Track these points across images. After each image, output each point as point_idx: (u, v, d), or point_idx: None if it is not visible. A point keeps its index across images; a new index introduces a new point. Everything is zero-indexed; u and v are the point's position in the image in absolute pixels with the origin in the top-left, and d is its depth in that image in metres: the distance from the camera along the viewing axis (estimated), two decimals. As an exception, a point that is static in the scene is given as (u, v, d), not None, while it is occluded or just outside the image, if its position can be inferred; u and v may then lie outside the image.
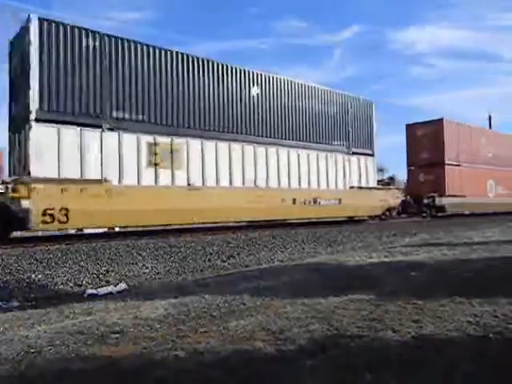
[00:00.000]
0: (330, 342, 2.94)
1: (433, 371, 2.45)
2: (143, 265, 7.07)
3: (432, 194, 22.68)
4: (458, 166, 24.40)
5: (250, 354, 2.76)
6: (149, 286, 5.52)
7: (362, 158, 19.28)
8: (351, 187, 18.47)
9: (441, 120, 24.10)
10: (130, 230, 13.62)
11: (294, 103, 16.80)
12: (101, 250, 8.82)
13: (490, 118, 45.30)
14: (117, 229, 14.10)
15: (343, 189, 18.14)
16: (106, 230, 13.93)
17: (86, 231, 13.38)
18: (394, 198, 20.57)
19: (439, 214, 22.93)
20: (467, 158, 25.20)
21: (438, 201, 22.79)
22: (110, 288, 5.27)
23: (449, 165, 23.73)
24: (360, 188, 18.77)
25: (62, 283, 5.72)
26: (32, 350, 2.90)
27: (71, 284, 5.68)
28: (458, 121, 25.52)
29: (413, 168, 24.92)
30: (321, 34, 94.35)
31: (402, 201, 21.86)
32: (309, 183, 16.92)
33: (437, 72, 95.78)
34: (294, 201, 15.99)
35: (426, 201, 22.80)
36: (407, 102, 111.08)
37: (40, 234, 12.41)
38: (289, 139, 16.51)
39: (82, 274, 6.26)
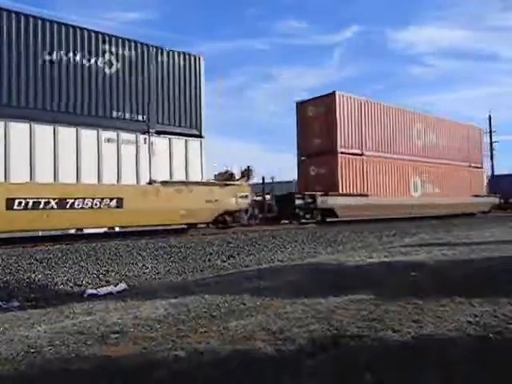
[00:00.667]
0: (329, 342, 2.94)
1: (433, 371, 2.45)
2: (143, 265, 7.07)
3: (312, 193, 16.80)
4: (361, 155, 18.37)
5: (249, 354, 2.76)
6: (149, 286, 5.52)
7: (178, 139, 13.29)
8: (150, 182, 12.42)
9: (332, 94, 17.75)
10: (130, 229, 13.55)
11: (22, 50, 10.52)
12: (101, 249, 8.82)
13: (489, 118, 45.22)
14: (117, 229, 14.03)
15: (132, 184, 12.09)
16: (105, 229, 13.87)
17: (86, 231, 13.30)
18: (236, 197, 14.20)
19: (329, 220, 17.37)
20: (378, 147, 19.25)
21: (322, 201, 16.56)
22: (110, 288, 5.27)
23: (344, 154, 17.72)
24: (165, 183, 12.61)
25: (62, 283, 5.72)
26: (32, 350, 2.90)
27: (71, 284, 5.68)
28: (364, 97, 19.30)
29: (304, 158, 18.86)
30: (321, 34, 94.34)
31: (259, 202, 15.86)
32: (55, 175, 10.80)
33: (437, 72, 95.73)
34: (12, 203, 9.90)
35: (298, 201, 16.38)
36: (407, 101, 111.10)
37: (40, 233, 12.40)
38: (8, 105, 10.29)
39: (81, 274, 6.25)
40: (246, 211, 14.85)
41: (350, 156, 17.99)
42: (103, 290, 5.14)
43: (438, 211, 21.53)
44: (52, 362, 2.71)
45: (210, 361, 2.65)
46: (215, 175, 15.52)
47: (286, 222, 17.01)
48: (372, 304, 3.96)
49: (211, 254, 8.42)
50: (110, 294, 5.03)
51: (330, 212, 16.95)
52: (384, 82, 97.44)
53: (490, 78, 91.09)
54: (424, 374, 2.43)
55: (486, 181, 28.15)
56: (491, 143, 44.73)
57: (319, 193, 16.80)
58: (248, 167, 15.48)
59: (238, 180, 15.22)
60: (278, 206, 16.33)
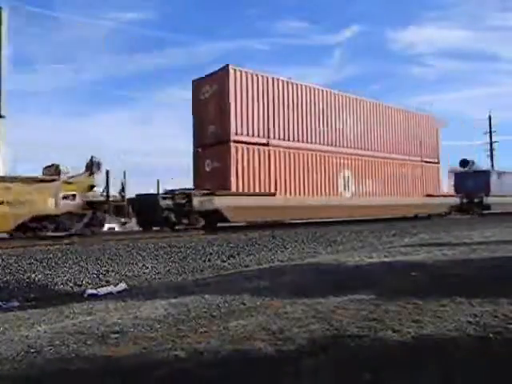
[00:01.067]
0: (329, 342, 2.94)
1: (433, 371, 2.45)
2: (143, 265, 7.07)
3: (187, 192, 13.30)
4: (267, 145, 14.84)
5: (249, 354, 2.76)
6: (149, 286, 5.52)
7: None
8: None
9: (225, 69, 14.30)
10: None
11: None
12: (101, 250, 8.82)
13: (490, 118, 45.22)
14: (117, 228, 13.98)
15: None
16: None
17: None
18: (56, 197, 10.82)
19: (221, 225, 14.22)
20: (292, 135, 15.74)
21: (203, 202, 13.03)
22: (110, 288, 5.27)
23: (241, 143, 14.19)
24: None
25: (62, 283, 5.72)
26: (32, 350, 2.90)
27: (71, 284, 5.68)
28: (273, 74, 15.54)
29: (198, 150, 15.26)
30: (321, 34, 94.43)
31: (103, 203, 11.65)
32: None
33: (437, 72, 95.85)
34: None
35: (164, 203, 12.66)
36: (407, 102, 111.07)
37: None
38: None
39: (82, 274, 6.26)
40: (82, 216, 11.32)
41: (251, 146, 14.44)
42: (103, 290, 5.14)
43: (379, 213, 18.48)
44: (52, 362, 2.71)
45: (210, 361, 2.65)
46: (43, 169, 11.97)
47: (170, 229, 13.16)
48: (372, 304, 3.96)
49: (211, 254, 8.42)
50: (110, 294, 5.03)
51: (218, 215, 13.57)
52: (384, 82, 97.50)
53: (490, 78, 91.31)
54: (424, 374, 2.43)
55: (446, 178, 25.56)
56: (491, 143, 44.79)
57: (200, 191, 13.52)
58: (92, 158, 11.86)
59: (81, 175, 11.64)
60: (141, 209, 12.97)
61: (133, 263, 7.24)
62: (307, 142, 16.36)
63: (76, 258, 7.70)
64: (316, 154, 16.54)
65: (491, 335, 3.02)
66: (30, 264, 7.08)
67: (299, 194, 15.84)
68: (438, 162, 23.28)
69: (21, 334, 3.30)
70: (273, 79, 15.47)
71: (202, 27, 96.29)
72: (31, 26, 76.66)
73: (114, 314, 3.89)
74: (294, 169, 15.74)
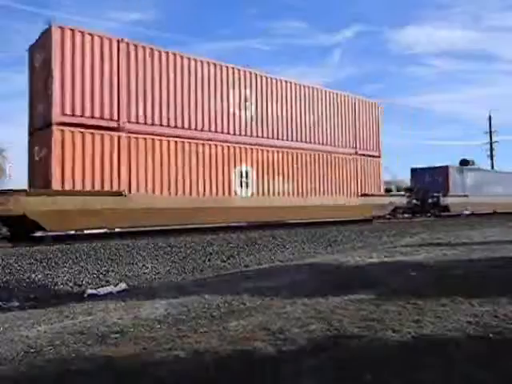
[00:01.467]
0: (330, 342, 2.94)
1: (432, 371, 2.45)
2: (143, 265, 7.07)
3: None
4: (117, 130, 11.28)
5: (249, 354, 2.76)
6: (149, 286, 5.52)
7: None
8: None
9: (48, 31, 10.72)
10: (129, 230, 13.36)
11: None
12: (101, 250, 8.81)
13: (490, 118, 45.15)
14: (117, 229, 13.80)
15: None
16: (105, 230, 13.61)
17: (86, 231, 13.20)
18: None
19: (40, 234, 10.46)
20: (159, 117, 12.04)
21: (29, 204, 9.62)
22: (110, 288, 5.27)
23: (72, 126, 10.67)
24: None
25: (62, 283, 5.71)
26: (32, 350, 2.90)
27: (71, 284, 5.68)
28: (125, 38, 11.70)
29: (31, 135, 11.99)
30: (321, 34, 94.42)
31: None
32: None
33: (437, 72, 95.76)
34: None
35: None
36: (407, 101, 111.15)
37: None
38: None
39: (82, 274, 6.25)
40: None
41: (90, 131, 10.90)
42: (103, 290, 5.14)
43: (291, 216, 15.22)
44: (52, 362, 2.71)
45: (210, 361, 2.64)
46: None
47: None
48: (372, 304, 3.96)
49: (211, 253, 8.42)
50: (110, 294, 5.03)
51: (30, 223, 9.92)
52: (384, 82, 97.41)
53: (490, 78, 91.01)
54: (424, 373, 2.43)
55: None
56: (491, 143, 44.74)
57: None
58: None
59: None
60: None
61: (133, 263, 7.23)
62: (182, 127, 12.60)
63: (76, 258, 7.69)
64: (196, 144, 12.85)
65: (491, 335, 3.02)
66: (30, 264, 7.07)
67: (170, 193, 12.25)
68: (379, 156, 19.05)
69: (21, 334, 3.30)
70: (127, 44, 11.68)
71: (203, 27, 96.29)
72: (31, 25, 76.71)
73: (113, 314, 3.89)
74: (162, 161, 12.09)
